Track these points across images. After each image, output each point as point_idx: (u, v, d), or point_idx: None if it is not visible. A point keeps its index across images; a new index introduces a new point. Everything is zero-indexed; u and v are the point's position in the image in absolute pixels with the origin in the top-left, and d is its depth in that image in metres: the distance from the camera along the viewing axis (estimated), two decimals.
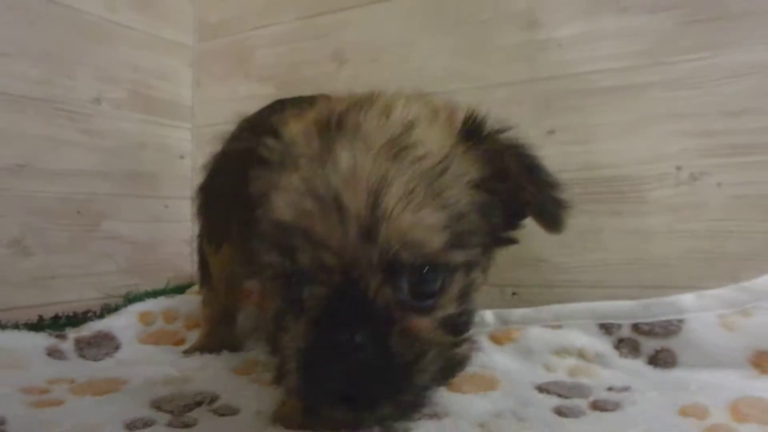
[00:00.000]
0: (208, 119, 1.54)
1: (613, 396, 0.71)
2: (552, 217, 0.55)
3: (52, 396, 0.72)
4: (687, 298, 0.85)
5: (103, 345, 0.96)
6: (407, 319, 0.46)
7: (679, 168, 0.99)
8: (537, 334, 0.88)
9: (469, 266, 0.52)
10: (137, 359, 0.94)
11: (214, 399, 0.70)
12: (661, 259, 0.99)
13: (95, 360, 0.93)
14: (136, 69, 1.41)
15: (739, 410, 0.64)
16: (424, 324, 0.47)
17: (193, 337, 1.05)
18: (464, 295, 0.52)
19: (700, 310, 0.84)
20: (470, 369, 0.82)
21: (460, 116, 0.57)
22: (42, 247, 1.17)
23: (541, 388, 0.75)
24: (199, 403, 0.68)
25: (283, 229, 0.47)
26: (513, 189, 0.55)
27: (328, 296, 0.45)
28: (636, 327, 0.85)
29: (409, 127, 0.51)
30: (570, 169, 1.06)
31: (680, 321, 0.83)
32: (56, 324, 1.08)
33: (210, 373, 0.83)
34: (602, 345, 0.86)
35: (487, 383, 0.76)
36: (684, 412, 0.65)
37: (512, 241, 0.62)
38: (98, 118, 1.31)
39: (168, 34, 1.50)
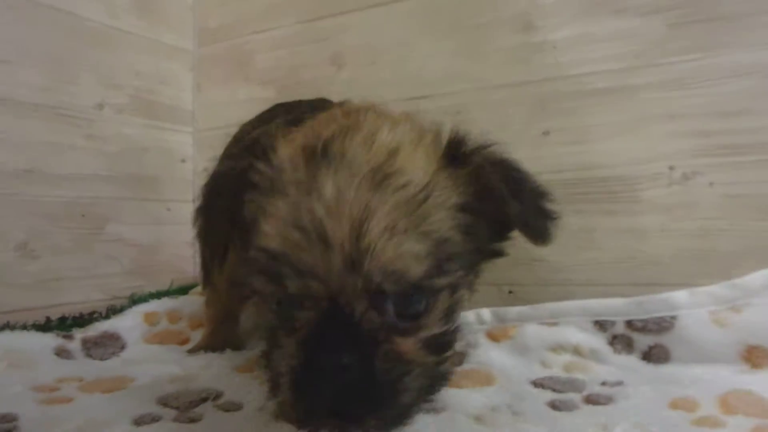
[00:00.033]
0: (209, 123, 1.56)
1: (606, 390, 0.73)
2: (538, 229, 0.55)
3: (61, 394, 0.74)
4: (680, 295, 0.86)
5: (110, 345, 0.98)
6: (392, 340, 0.48)
7: (672, 168, 1.01)
8: (533, 331, 0.89)
9: (453, 287, 0.53)
10: (143, 358, 0.96)
11: (218, 395, 0.72)
12: (654, 258, 1.01)
13: (102, 359, 0.95)
14: (138, 74, 1.43)
15: (728, 403, 0.66)
16: (407, 345, 0.49)
17: (197, 336, 1.07)
18: (449, 315, 0.53)
19: (692, 306, 0.85)
20: (468, 365, 0.85)
21: (445, 138, 0.58)
22: (48, 250, 1.19)
23: (536, 383, 0.76)
24: (204, 400, 0.70)
25: (270, 256, 0.49)
26: (498, 205, 0.55)
27: (317, 320, 0.47)
28: (630, 324, 0.87)
29: (393, 154, 0.52)
30: (564, 170, 1.08)
31: (673, 317, 0.85)
32: (63, 325, 1.10)
33: (214, 371, 0.85)
34: (597, 341, 0.87)
35: (484, 379, 0.78)
36: (674, 405, 0.66)
37: (500, 254, 0.62)
38: (101, 124, 1.33)
39: (168, 39, 1.52)
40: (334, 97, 1.06)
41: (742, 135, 0.96)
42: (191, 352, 1.00)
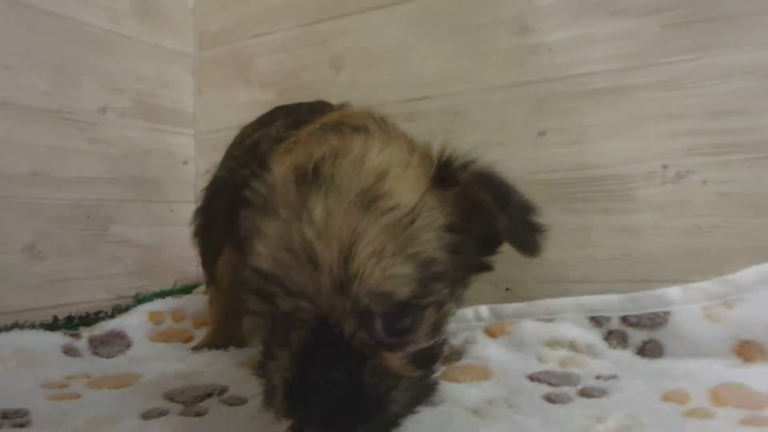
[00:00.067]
0: (210, 125, 1.58)
1: (600, 384, 0.75)
2: (526, 242, 0.56)
3: (70, 390, 0.76)
4: (673, 292, 0.88)
5: (116, 343, 1.00)
6: (380, 355, 0.50)
7: (665, 167, 1.02)
8: (530, 327, 0.91)
9: (440, 303, 0.55)
10: (149, 356, 0.98)
11: (223, 390, 0.74)
12: (648, 255, 1.02)
13: (108, 357, 0.97)
14: (140, 78, 1.45)
15: (719, 395, 0.67)
16: (395, 360, 0.51)
17: (201, 334, 1.09)
18: (436, 329, 0.55)
19: (685, 302, 0.87)
20: (466, 360, 0.87)
21: (435, 158, 0.59)
22: (54, 251, 1.21)
23: (533, 378, 0.78)
24: (209, 395, 0.72)
25: (263, 277, 0.50)
26: (486, 219, 0.56)
27: (308, 337, 0.49)
28: (624, 319, 0.89)
29: (382, 176, 0.53)
30: (560, 169, 1.10)
31: (667, 313, 0.86)
32: (70, 324, 1.12)
33: (218, 367, 0.87)
34: (592, 337, 0.89)
35: (481, 373, 0.80)
36: (666, 397, 0.68)
37: (488, 269, 0.64)
38: (104, 127, 1.35)
39: (169, 43, 1.54)
40: (334, 100, 1.08)
41: (735, 134, 0.97)
42: (196, 349, 1.03)
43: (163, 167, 1.50)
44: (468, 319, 1.00)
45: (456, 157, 0.58)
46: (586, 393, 0.72)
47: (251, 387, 0.74)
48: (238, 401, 0.71)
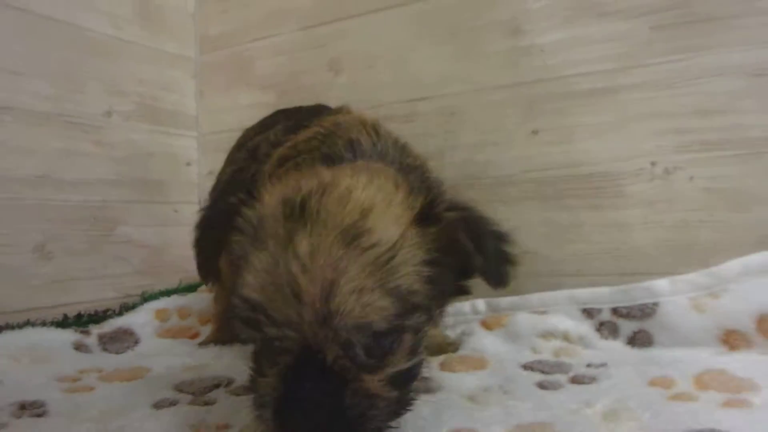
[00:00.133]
0: (212, 127, 1.61)
1: (590, 371, 0.78)
2: (499, 278, 0.61)
3: (83, 383, 0.80)
4: (661, 284, 0.91)
5: (124, 339, 1.03)
6: (360, 378, 0.54)
7: (653, 163, 1.06)
8: (524, 319, 0.95)
9: (417, 329, 0.58)
10: (157, 351, 1.01)
11: (230, 382, 0.78)
12: (637, 249, 1.06)
13: (117, 353, 1.00)
14: (142, 82, 1.48)
15: (703, 381, 0.71)
16: (374, 383, 0.54)
17: (206, 331, 1.13)
18: (413, 351, 0.59)
19: (673, 294, 0.90)
20: (463, 351, 0.90)
21: (419, 198, 0.61)
22: (62, 251, 1.25)
23: (526, 367, 0.82)
24: (217, 386, 0.76)
25: (250, 306, 0.54)
26: (463, 257, 0.59)
27: (293, 362, 0.53)
28: (615, 311, 0.92)
29: (366, 213, 0.56)
30: (552, 168, 1.13)
31: (655, 304, 0.90)
32: (80, 321, 1.16)
33: (225, 361, 0.91)
34: (585, 328, 0.93)
35: (478, 363, 0.83)
36: (653, 383, 0.71)
37: (466, 293, 0.67)
38: (109, 130, 1.38)
39: (171, 47, 1.57)
40: (333, 102, 1.11)
41: (721, 132, 1.01)
42: (202, 345, 1.06)
43: (167, 169, 1.53)
44: (465, 312, 1.03)
45: (441, 199, 0.62)
46: (576, 380, 0.75)
47: None
48: (245, 392, 0.73)
